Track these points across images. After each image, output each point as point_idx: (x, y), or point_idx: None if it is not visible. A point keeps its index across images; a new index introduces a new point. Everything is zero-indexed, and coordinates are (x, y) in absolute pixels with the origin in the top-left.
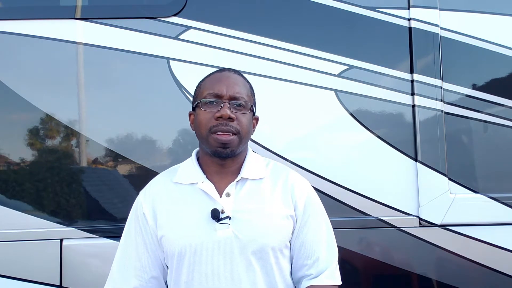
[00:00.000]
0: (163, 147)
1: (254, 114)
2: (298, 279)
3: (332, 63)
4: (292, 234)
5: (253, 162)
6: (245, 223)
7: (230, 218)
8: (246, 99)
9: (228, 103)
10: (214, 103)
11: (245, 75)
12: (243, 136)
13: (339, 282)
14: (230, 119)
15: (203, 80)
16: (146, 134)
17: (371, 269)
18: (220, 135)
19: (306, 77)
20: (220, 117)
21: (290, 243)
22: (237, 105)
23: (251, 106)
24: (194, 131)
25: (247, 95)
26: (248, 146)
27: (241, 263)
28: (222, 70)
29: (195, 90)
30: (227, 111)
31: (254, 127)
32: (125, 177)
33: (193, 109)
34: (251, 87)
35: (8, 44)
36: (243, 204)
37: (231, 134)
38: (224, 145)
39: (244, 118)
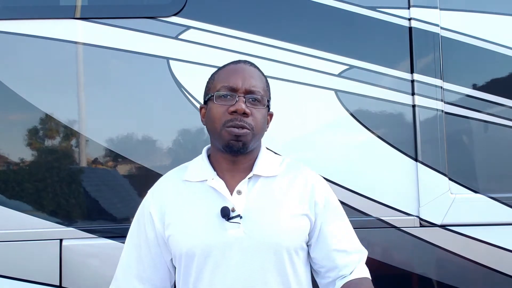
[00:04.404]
0: (163, 147)
1: (269, 109)
2: (329, 282)
3: (332, 63)
4: (310, 235)
5: (266, 159)
6: (257, 223)
7: (241, 217)
8: (262, 93)
9: (244, 97)
10: (229, 96)
11: None
12: (257, 132)
13: (369, 276)
14: (245, 114)
15: (216, 71)
16: (146, 134)
17: (371, 269)
18: (234, 128)
19: (306, 77)
20: (235, 111)
21: (308, 245)
22: (252, 100)
23: (267, 101)
24: (205, 126)
25: (263, 89)
26: (262, 143)
27: (254, 264)
28: (237, 61)
29: (208, 82)
30: (242, 106)
31: (268, 123)
32: (125, 177)
33: (205, 102)
34: (267, 81)
35: (8, 44)
36: (255, 202)
37: (244, 128)
38: (237, 137)
39: (259, 113)
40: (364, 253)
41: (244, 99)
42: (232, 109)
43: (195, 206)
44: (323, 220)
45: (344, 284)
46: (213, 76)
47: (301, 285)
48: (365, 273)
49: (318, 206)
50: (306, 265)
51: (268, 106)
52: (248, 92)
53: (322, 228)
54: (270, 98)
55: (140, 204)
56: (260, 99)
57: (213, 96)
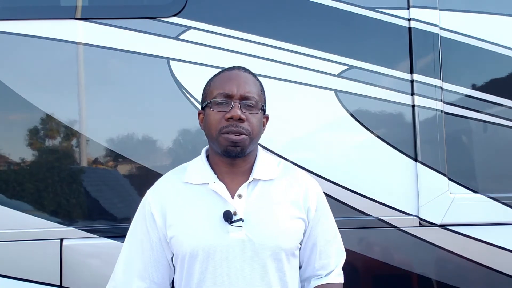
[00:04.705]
0: (163, 147)
1: (264, 113)
2: (306, 278)
3: (332, 63)
4: (303, 235)
5: (264, 162)
6: (258, 226)
7: (242, 220)
8: (257, 98)
9: (239, 103)
10: (225, 103)
11: None
12: (253, 137)
13: (343, 280)
14: (241, 120)
15: (212, 78)
16: (146, 134)
17: (371, 269)
18: (231, 135)
19: (306, 77)
20: (231, 118)
21: (300, 244)
22: (247, 105)
23: (262, 105)
24: (203, 131)
25: (257, 94)
26: (258, 145)
27: (255, 265)
28: (232, 68)
29: (204, 89)
30: (237, 112)
31: (264, 125)
32: (125, 177)
33: (203, 108)
34: (261, 85)
35: (8, 44)
36: (255, 205)
37: (241, 134)
38: (235, 143)
39: (254, 118)
40: (343, 257)
41: (239, 105)
42: (228, 115)
43: (198, 208)
44: (314, 223)
45: (318, 286)
46: (209, 83)
47: (295, 282)
48: (340, 278)
49: (311, 211)
50: (298, 262)
51: (263, 110)
52: (243, 98)
53: (312, 230)
54: (265, 102)
55: (139, 204)
56: (255, 104)
57: (210, 103)
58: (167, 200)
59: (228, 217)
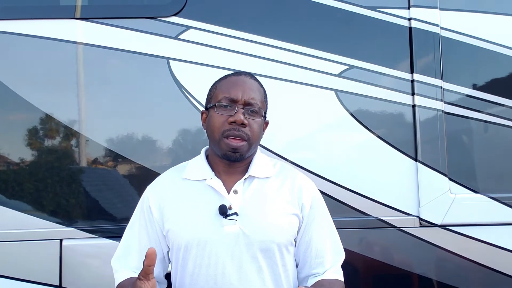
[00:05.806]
0: (163, 147)
1: (265, 119)
2: (303, 278)
3: (332, 63)
4: (298, 232)
5: (261, 162)
6: (252, 220)
7: (237, 215)
8: (260, 105)
9: (243, 108)
10: (229, 107)
11: None
12: (253, 142)
13: (343, 279)
14: (243, 124)
15: (219, 81)
16: (146, 134)
17: (371, 269)
18: (232, 140)
19: (306, 77)
20: (234, 122)
21: (295, 241)
22: (250, 111)
23: (264, 112)
24: (205, 130)
25: (261, 101)
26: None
27: (248, 258)
28: (238, 73)
29: (210, 90)
30: (241, 117)
31: (264, 130)
32: (125, 177)
33: (206, 108)
34: (265, 92)
35: (8, 44)
36: (250, 201)
37: (241, 140)
38: (235, 150)
39: (256, 124)
40: (340, 256)
41: (243, 110)
42: (231, 119)
43: (194, 202)
44: (308, 221)
45: (317, 282)
46: (215, 85)
47: (288, 277)
48: (339, 275)
49: (305, 208)
50: (294, 260)
51: (265, 117)
52: (247, 104)
53: (307, 228)
54: (267, 109)
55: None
56: (258, 110)
57: (215, 105)
58: (165, 194)
59: (223, 211)
